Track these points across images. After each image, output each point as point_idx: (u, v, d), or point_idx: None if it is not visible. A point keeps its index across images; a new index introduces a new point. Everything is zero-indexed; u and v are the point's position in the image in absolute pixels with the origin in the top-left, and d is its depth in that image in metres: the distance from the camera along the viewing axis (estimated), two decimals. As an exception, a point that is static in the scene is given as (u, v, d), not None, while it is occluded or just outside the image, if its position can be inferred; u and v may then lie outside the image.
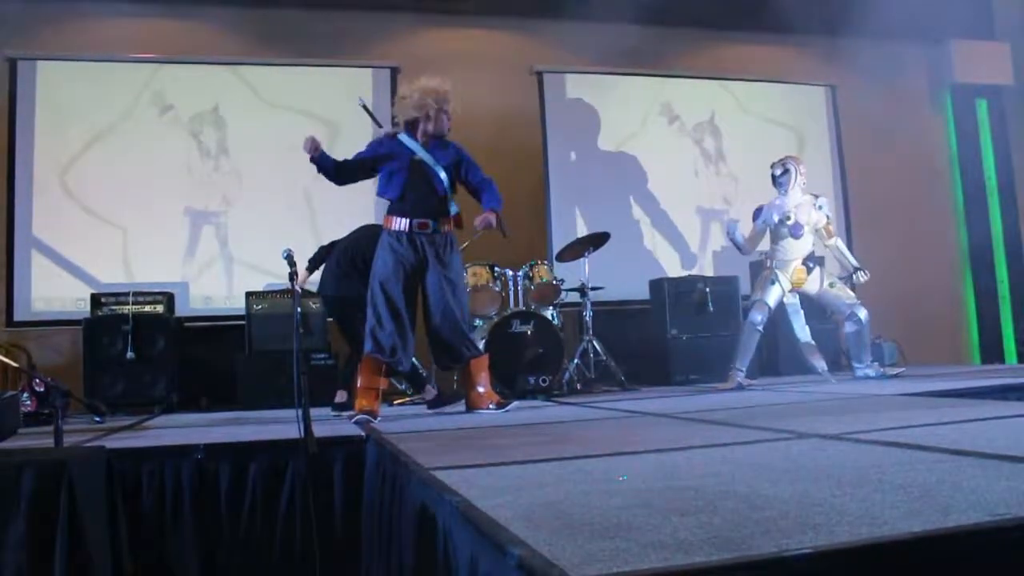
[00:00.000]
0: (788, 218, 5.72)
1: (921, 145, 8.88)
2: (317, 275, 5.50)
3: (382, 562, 2.71)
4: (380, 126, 4.82)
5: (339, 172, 4.49)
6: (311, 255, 5.57)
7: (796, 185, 5.78)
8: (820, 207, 5.81)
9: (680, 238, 8.12)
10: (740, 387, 5.59)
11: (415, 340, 4.49)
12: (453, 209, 4.52)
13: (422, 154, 4.48)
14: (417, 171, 4.46)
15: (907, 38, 8.72)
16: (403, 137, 4.53)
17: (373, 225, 4.55)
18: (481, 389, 4.60)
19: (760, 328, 5.69)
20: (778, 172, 5.83)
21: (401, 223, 4.41)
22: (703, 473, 2.01)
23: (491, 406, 4.55)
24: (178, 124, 7.24)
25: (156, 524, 3.21)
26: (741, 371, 5.66)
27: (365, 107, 4.75)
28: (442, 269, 4.44)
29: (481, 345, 5.79)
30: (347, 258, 5.18)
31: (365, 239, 5.03)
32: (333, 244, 5.45)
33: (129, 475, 3.17)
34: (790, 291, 5.76)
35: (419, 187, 4.44)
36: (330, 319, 6.33)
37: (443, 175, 4.47)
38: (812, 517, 1.40)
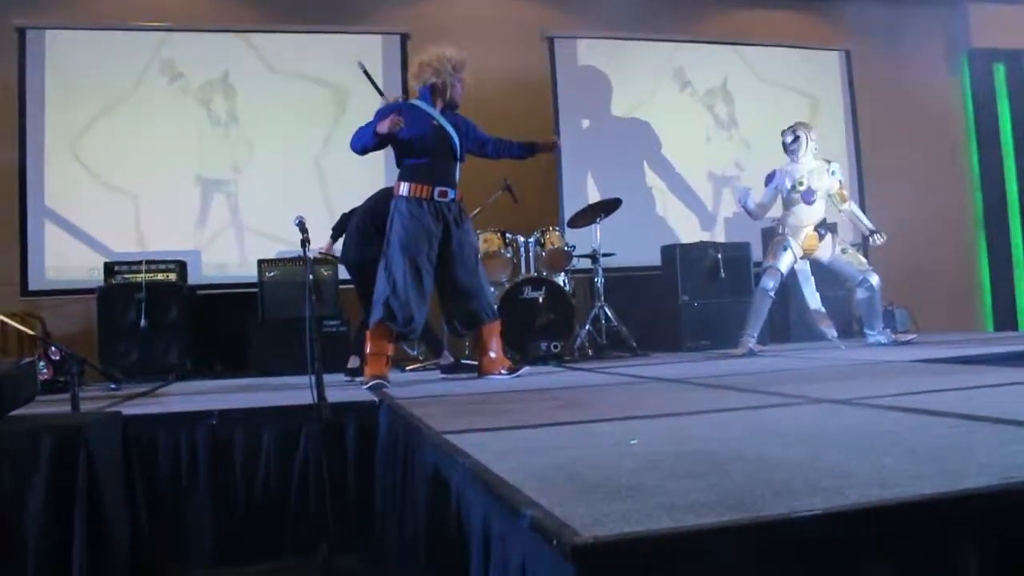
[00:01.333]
0: (800, 184, 5.70)
1: (937, 110, 8.77)
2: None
3: (395, 525, 2.75)
4: (380, 91, 4.78)
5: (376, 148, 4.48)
6: (334, 223, 5.59)
7: (808, 151, 5.75)
8: (833, 172, 5.78)
9: (692, 204, 8.08)
10: (751, 353, 5.59)
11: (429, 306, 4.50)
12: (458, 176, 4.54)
13: (441, 120, 4.46)
14: (438, 137, 4.43)
15: (923, 1, 8.60)
16: (420, 103, 4.49)
17: (391, 188, 4.53)
18: (493, 354, 4.61)
19: (772, 294, 5.68)
20: (789, 139, 5.79)
21: (422, 190, 4.37)
22: (714, 437, 2.02)
23: (503, 371, 4.57)
24: (188, 92, 7.22)
25: (172, 488, 3.25)
26: (752, 337, 5.67)
27: (365, 71, 4.72)
28: (461, 234, 4.45)
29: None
30: (366, 222, 5.19)
31: (384, 203, 5.04)
32: (354, 211, 5.46)
33: (145, 440, 3.21)
34: (802, 257, 5.74)
35: (439, 154, 4.42)
36: (344, 286, 6.36)
37: (458, 142, 4.46)
38: (822, 480, 1.40)
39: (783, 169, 5.82)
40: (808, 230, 5.70)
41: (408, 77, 4.63)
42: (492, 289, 6.03)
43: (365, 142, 4.39)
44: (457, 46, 4.54)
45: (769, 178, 5.93)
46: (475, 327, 4.60)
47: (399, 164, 4.51)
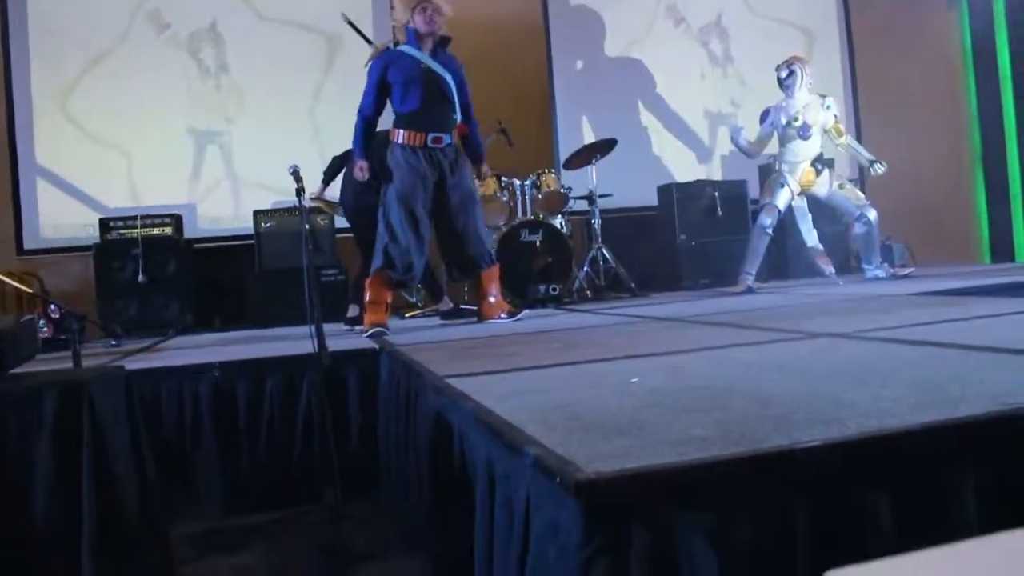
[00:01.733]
0: (795, 119, 5.66)
1: (934, 42, 8.66)
2: (336, 187, 5.49)
3: (400, 469, 2.78)
4: (368, 40, 4.72)
5: (374, 125, 4.51)
6: (324, 168, 5.55)
7: (803, 86, 5.70)
8: (828, 107, 5.73)
9: (688, 143, 8.02)
10: (750, 290, 5.60)
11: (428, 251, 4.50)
12: (458, 118, 4.50)
13: (429, 63, 4.39)
14: (429, 82, 4.38)
15: (920, -71, 8.45)
16: (407, 48, 4.43)
17: (385, 133, 4.50)
18: (492, 299, 4.63)
19: (770, 231, 5.68)
20: (784, 74, 5.74)
21: (416, 137, 4.34)
22: (714, 373, 2.03)
23: (502, 315, 4.59)
24: (176, 43, 7.11)
25: (177, 441, 3.29)
26: (750, 275, 5.67)
27: (349, 21, 4.66)
28: (457, 180, 4.43)
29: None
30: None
31: (380, 149, 5.01)
32: (348, 154, 5.41)
33: (148, 394, 3.23)
34: (799, 194, 5.73)
35: (432, 98, 4.38)
36: (341, 235, 6.35)
37: (452, 83, 4.41)
38: (822, 412, 1.41)
39: (778, 105, 5.78)
40: (805, 165, 5.68)
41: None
42: (491, 233, 6.04)
43: (362, 128, 4.50)
44: None
45: (764, 115, 5.89)
46: (473, 273, 4.61)
47: (395, 112, 4.46)
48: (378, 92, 4.42)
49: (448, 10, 4.41)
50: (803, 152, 5.67)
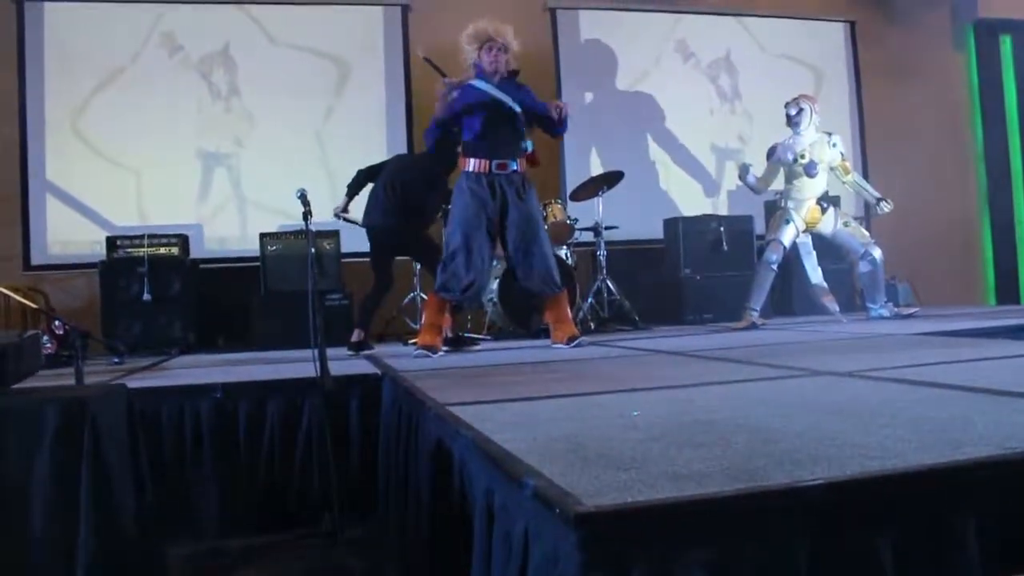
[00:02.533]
0: (802, 157, 5.69)
1: (942, 83, 8.71)
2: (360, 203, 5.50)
3: (399, 496, 2.76)
4: (443, 74, 4.81)
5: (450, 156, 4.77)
6: (349, 181, 5.52)
7: (810, 124, 5.74)
8: (834, 145, 5.76)
9: (695, 177, 8.05)
10: (754, 326, 5.60)
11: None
12: (528, 147, 4.61)
13: (496, 94, 4.50)
14: (494, 111, 4.49)
15: (929, -29, 8.52)
16: (475, 82, 4.54)
17: (411, 156, 4.58)
18: (557, 325, 4.66)
19: (774, 267, 5.68)
20: (793, 112, 5.78)
21: (481, 164, 4.46)
22: (716, 408, 2.03)
23: (565, 343, 4.58)
24: (188, 65, 7.17)
25: (177, 460, 3.28)
26: (755, 311, 5.67)
27: (429, 61, 4.76)
28: (523, 206, 4.52)
29: (495, 284, 5.83)
30: (395, 193, 5.18)
31: (417, 179, 5.07)
32: (373, 169, 5.42)
33: (149, 413, 3.22)
34: (804, 231, 5.74)
35: (497, 127, 4.49)
36: (346, 259, 6.35)
37: (519, 112, 4.52)
38: (824, 450, 1.41)
39: (785, 143, 5.82)
40: (811, 203, 5.70)
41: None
42: (496, 263, 6.05)
43: (434, 135, 4.64)
44: (497, 22, 4.62)
45: (771, 152, 5.93)
46: (539, 298, 4.71)
47: (463, 142, 4.60)
48: (446, 119, 4.56)
49: (516, 46, 4.60)
50: (809, 189, 5.69)
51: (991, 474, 1.27)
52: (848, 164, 5.90)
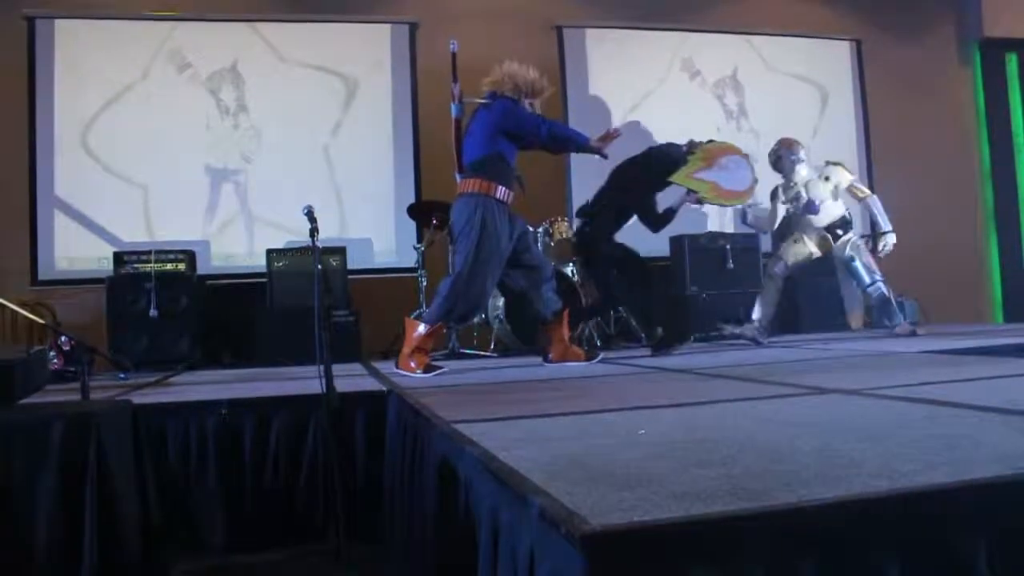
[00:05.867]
0: (798, 198, 5.75)
1: (948, 101, 8.72)
2: None
3: (404, 514, 2.75)
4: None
5: None
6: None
7: (796, 166, 5.78)
8: (827, 178, 5.78)
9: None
10: (756, 342, 5.59)
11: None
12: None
13: None
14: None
15: (935, -10, 8.55)
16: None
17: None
18: (560, 346, 4.67)
19: (778, 279, 5.69)
20: (772, 161, 5.87)
21: (508, 194, 4.50)
22: (723, 427, 2.02)
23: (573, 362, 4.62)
24: (196, 82, 7.22)
25: (182, 477, 3.27)
26: (756, 323, 5.68)
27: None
28: (521, 230, 4.58)
29: (501, 302, 5.83)
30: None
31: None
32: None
33: (155, 429, 3.22)
34: (817, 256, 5.79)
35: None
36: (352, 276, 6.35)
37: None
38: (832, 469, 1.40)
39: (782, 186, 5.88)
40: (821, 232, 5.74)
41: (488, 80, 4.66)
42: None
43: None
44: (540, 74, 4.69)
45: (773, 194, 5.99)
46: (539, 321, 4.75)
47: (488, 162, 4.48)
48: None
49: (549, 92, 4.74)
50: (817, 222, 5.74)
51: (1000, 494, 1.26)
52: (859, 187, 5.91)
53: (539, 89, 4.64)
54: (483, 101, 4.55)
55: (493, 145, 4.48)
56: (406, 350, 4.41)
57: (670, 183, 5.35)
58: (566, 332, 4.70)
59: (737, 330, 5.75)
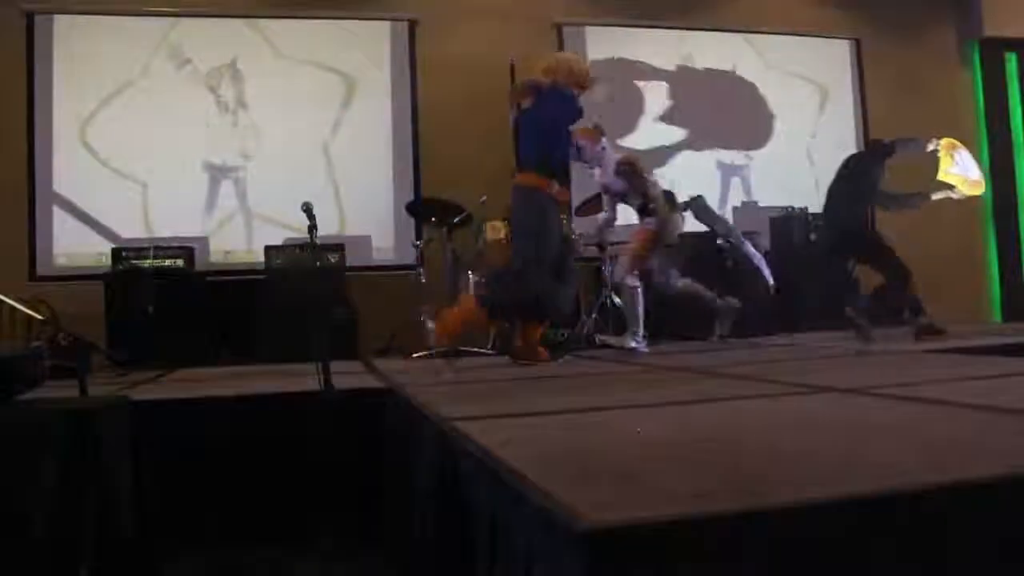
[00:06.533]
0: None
1: (947, 100, 8.71)
2: None
3: (403, 510, 2.75)
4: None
5: None
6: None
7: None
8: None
9: (700, 192, 8.03)
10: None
11: None
12: None
13: None
14: None
15: (934, -11, 8.55)
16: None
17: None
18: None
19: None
20: None
21: (563, 193, 4.59)
22: (721, 425, 2.02)
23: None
24: (196, 78, 7.21)
25: (179, 473, 3.26)
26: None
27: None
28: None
29: (499, 299, 5.82)
30: None
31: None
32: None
33: (152, 425, 3.21)
34: None
35: None
36: (351, 272, 6.34)
37: None
38: (829, 468, 1.40)
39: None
40: None
41: (540, 68, 4.62)
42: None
43: None
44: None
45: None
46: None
47: (552, 158, 4.48)
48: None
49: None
50: None
51: (999, 494, 1.26)
52: None
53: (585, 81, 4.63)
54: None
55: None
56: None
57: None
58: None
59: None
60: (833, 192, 5.62)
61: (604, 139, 5.60)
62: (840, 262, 5.77)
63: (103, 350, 4.96)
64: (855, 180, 5.48)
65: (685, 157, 8.04)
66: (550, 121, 4.43)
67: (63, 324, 5.80)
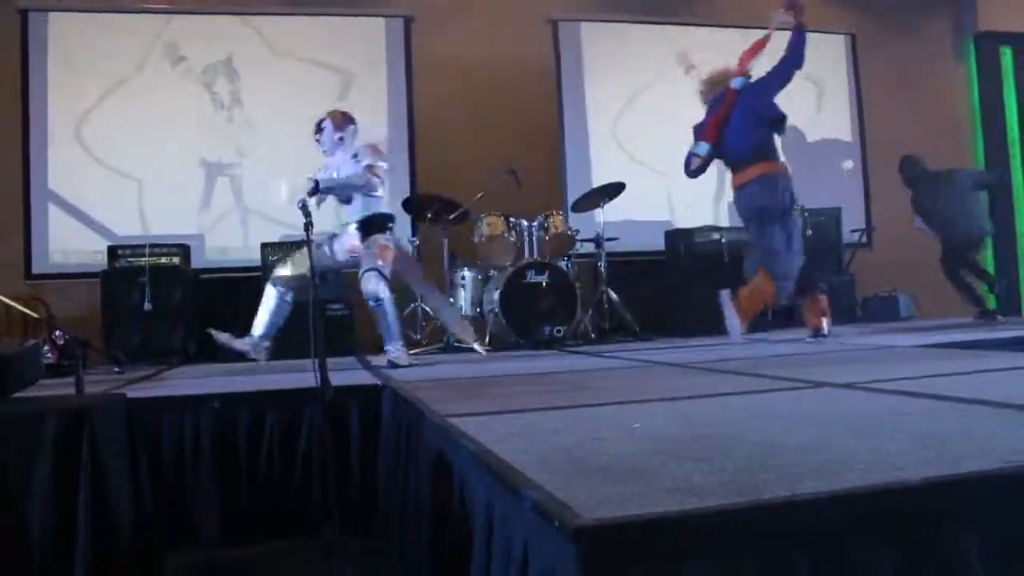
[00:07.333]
0: None
1: (943, 95, 8.73)
2: None
3: (399, 507, 2.76)
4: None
5: None
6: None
7: None
8: None
9: (697, 189, 8.02)
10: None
11: None
12: None
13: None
14: None
15: (930, -16, 8.56)
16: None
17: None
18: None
19: None
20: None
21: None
22: (717, 421, 2.02)
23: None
24: (191, 75, 7.20)
25: (176, 471, 3.27)
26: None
27: None
28: None
29: (496, 295, 5.84)
30: None
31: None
32: None
33: (149, 423, 3.22)
34: None
35: None
36: (349, 270, 6.35)
37: None
38: (825, 464, 1.40)
39: None
40: None
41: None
42: (494, 273, 6.06)
43: None
44: None
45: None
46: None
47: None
48: None
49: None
50: None
51: (993, 488, 1.26)
52: None
53: None
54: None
55: None
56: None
57: None
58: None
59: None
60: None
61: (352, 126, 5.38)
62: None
63: (101, 350, 4.95)
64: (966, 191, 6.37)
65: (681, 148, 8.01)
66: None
67: (59, 322, 5.80)
